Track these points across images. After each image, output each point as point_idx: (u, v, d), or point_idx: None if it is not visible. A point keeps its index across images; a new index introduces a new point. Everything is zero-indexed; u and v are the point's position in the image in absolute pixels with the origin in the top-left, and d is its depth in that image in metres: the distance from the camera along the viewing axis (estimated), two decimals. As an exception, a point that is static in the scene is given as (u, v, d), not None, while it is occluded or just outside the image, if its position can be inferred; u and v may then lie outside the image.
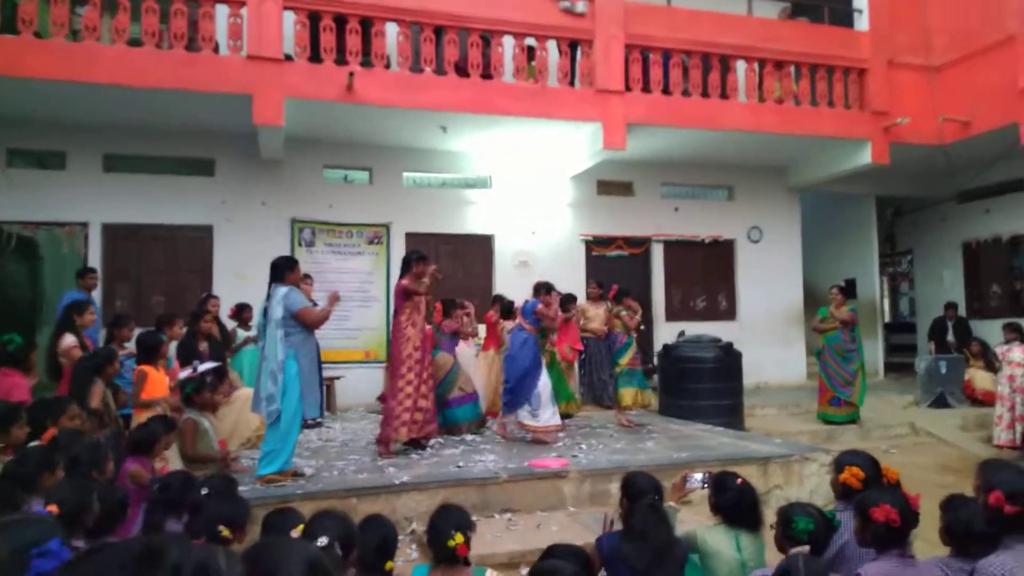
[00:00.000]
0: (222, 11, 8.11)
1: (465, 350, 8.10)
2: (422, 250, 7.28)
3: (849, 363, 8.85)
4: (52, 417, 3.96)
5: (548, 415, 6.83)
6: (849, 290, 9.57)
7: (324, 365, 8.09)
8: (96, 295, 7.99)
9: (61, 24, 7.55)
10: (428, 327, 6.72)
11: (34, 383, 5.31)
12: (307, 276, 8.08)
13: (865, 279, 13.29)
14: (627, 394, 7.81)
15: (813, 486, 5.95)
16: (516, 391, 6.88)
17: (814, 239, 13.36)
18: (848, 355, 8.85)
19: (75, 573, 1.57)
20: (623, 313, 8.03)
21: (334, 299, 5.57)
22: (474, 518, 2.99)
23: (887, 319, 14.39)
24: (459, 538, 2.68)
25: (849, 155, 10.82)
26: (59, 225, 9.12)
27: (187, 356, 6.38)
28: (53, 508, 2.70)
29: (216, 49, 8.11)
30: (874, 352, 12.68)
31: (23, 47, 7.35)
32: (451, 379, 7.45)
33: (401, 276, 6.59)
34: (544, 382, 6.90)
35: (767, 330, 11.96)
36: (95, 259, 9.04)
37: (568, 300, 8.56)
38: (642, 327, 8.74)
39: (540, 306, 7.07)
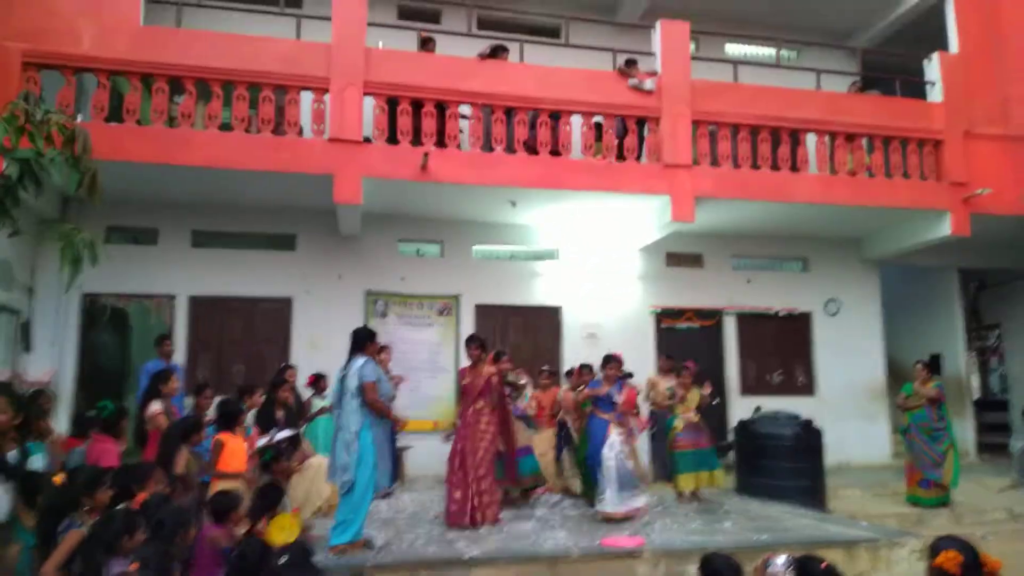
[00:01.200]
0: (306, 97, 8.61)
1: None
2: (484, 332, 7.44)
3: (937, 443, 8.40)
4: (139, 482, 4.10)
5: (615, 499, 6.70)
6: (934, 366, 9.17)
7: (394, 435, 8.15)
8: (180, 363, 8.31)
9: (160, 112, 8.15)
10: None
11: (123, 449, 5.53)
12: (384, 347, 8.22)
13: (951, 354, 12.71)
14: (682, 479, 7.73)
15: (902, 573, 5.60)
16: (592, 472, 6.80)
17: (895, 312, 12.92)
18: (936, 434, 8.41)
19: None
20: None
21: (397, 382, 5.73)
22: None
23: (976, 396, 13.64)
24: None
25: (928, 227, 10.54)
26: (148, 297, 9.61)
27: (265, 424, 6.54)
28: (134, 566, 2.79)
29: (300, 132, 8.58)
30: (964, 431, 12.00)
31: (126, 134, 7.94)
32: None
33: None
34: (611, 465, 6.75)
35: (848, 406, 11.50)
36: (180, 329, 9.46)
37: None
38: (714, 402, 8.55)
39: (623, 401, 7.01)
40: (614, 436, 6.81)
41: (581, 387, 7.72)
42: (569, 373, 8.95)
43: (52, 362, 8.97)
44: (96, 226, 8.95)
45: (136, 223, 9.73)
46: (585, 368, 8.33)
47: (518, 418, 7.72)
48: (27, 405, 5.27)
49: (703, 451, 7.75)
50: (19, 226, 6.20)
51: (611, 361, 7.24)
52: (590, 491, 7.17)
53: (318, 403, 8.02)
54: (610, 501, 6.57)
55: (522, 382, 8.18)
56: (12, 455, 4.31)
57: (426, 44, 9.37)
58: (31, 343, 8.83)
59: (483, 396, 6.61)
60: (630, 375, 7.95)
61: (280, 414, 6.79)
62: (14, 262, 8.42)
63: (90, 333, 9.40)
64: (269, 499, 4.97)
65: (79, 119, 7.77)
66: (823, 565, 3.11)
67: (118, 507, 3.85)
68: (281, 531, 4.51)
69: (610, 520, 6.53)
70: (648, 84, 9.41)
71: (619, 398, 6.98)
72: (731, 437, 9.77)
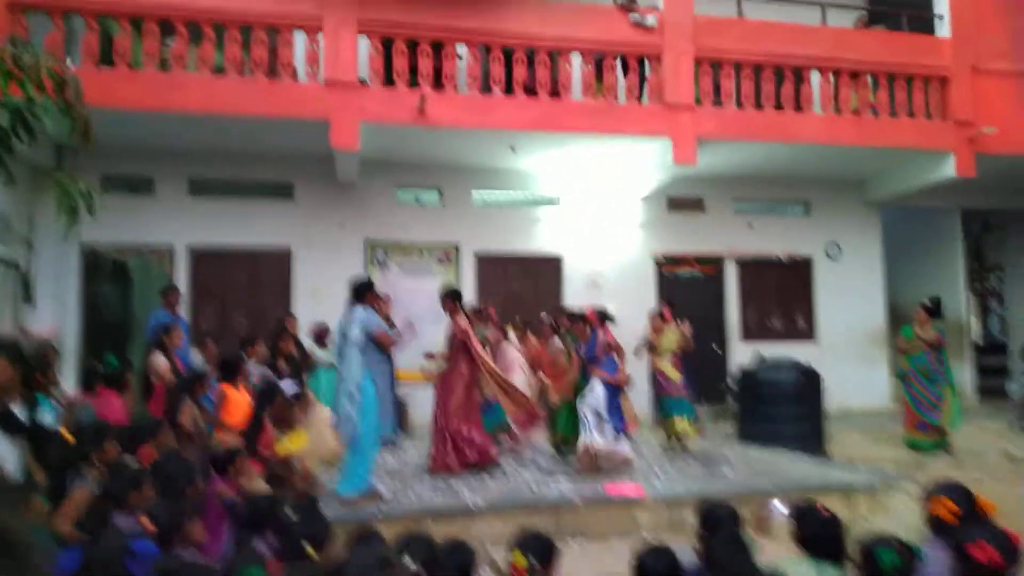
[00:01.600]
0: (300, 38, 8.39)
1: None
2: (485, 280, 7.25)
3: (936, 385, 8.44)
4: (146, 438, 4.12)
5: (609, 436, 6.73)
6: (935, 309, 9.15)
7: (396, 384, 8.20)
8: (183, 315, 8.29)
9: (152, 55, 7.95)
10: None
11: (129, 402, 5.55)
12: (384, 296, 8.16)
13: (951, 297, 12.70)
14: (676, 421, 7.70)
15: (901, 517, 5.68)
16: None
17: (896, 255, 12.86)
18: (935, 377, 8.44)
19: None
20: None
21: (410, 329, 5.69)
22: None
23: (977, 339, 13.69)
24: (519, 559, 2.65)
25: (932, 167, 10.41)
26: (148, 248, 9.55)
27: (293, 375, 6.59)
28: (147, 523, 2.82)
29: (295, 76, 8.38)
30: (963, 375, 12.08)
31: (118, 78, 7.76)
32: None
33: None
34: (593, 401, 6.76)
35: (848, 351, 11.55)
36: (181, 281, 9.41)
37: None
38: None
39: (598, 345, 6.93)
40: (594, 382, 6.78)
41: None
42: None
43: (55, 315, 8.96)
44: (92, 175, 8.80)
45: (132, 172, 9.58)
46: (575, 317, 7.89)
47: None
48: (31, 360, 5.26)
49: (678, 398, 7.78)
50: (14, 176, 6.12)
51: (576, 319, 7.27)
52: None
53: (321, 354, 8.03)
54: (590, 438, 6.60)
55: (489, 333, 7.94)
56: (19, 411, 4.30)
57: None
58: (32, 295, 8.80)
59: (454, 349, 6.58)
60: (605, 316, 7.48)
61: (282, 365, 6.80)
62: (12, 214, 8.33)
63: (91, 285, 9.36)
64: (267, 396, 5.10)
65: (69, 64, 7.56)
66: (823, 512, 3.13)
67: (125, 462, 3.87)
68: (295, 441, 4.65)
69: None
70: (650, 19, 9.16)
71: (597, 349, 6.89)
72: (731, 384, 9.84)
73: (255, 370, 6.59)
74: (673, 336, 8.11)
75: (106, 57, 7.93)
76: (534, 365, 7.93)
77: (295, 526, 3.28)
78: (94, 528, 3.48)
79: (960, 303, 12.63)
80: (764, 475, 6.29)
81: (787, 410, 8.23)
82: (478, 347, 6.66)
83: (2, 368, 3.72)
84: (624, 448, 6.68)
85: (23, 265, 8.73)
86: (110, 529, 3.06)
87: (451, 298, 6.68)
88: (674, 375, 7.93)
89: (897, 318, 11.75)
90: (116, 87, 7.66)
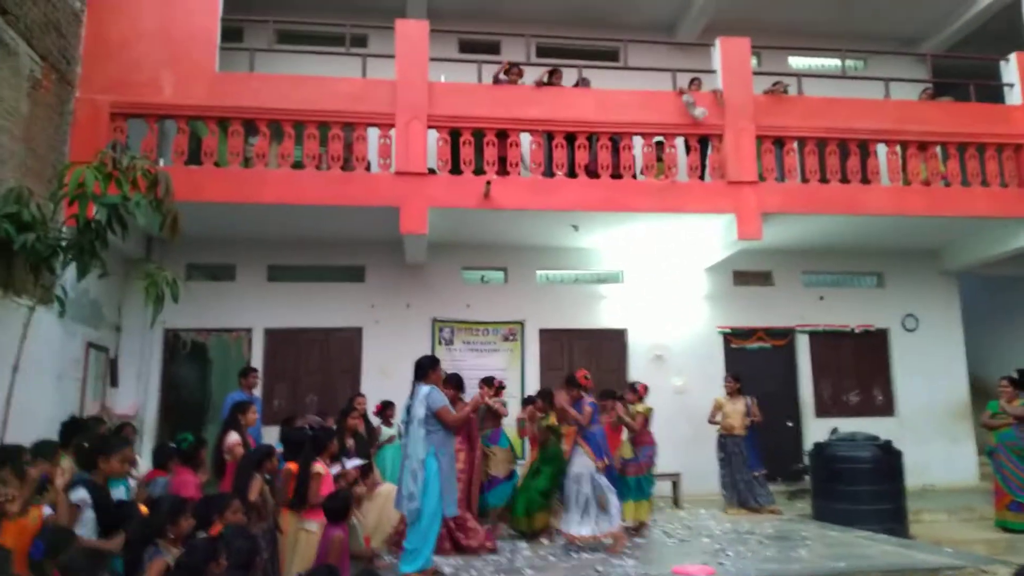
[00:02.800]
0: (373, 133, 8.90)
1: None
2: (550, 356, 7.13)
3: (1028, 463, 7.95)
4: (217, 512, 4.28)
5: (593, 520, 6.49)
6: (1021, 382, 8.69)
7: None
8: (257, 394, 8.61)
9: (236, 153, 8.56)
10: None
11: (204, 480, 5.77)
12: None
13: (1040, 369, 12.02)
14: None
15: (995, 604, 5.33)
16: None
17: (977, 326, 12.32)
18: (1027, 454, 7.97)
19: None
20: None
21: (476, 405, 5.76)
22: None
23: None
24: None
25: (1009, 235, 10.08)
26: (227, 331, 10.03)
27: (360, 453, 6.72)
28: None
29: (368, 167, 8.86)
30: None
31: (204, 176, 8.36)
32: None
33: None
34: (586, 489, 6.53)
35: (930, 426, 11.01)
36: (256, 361, 9.81)
37: (606, 396, 7.74)
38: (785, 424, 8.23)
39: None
40: (581, 457, 6.60)
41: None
42: (528, 401, 8.37)
43: (137, 395, 9.45)
44: (177, 264, 9.43)
45: (214, 260, 10.18)
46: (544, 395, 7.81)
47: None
48: (109, 438, 5.58)
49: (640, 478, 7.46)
50: (107, 267, 6.62)
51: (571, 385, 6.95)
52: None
53: (387, 431, 8.19)
54: (572, 522, 6.41)
55: (503, 404, 7.83)
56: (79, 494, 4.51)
57: (509, 72, 9.54)
58: (117, 378, 9.32)
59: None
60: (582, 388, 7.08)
61: (350, 443, 6.95)
62: (103, 301, 8.92)
63: (172, 367, 9.86)
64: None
65: (161, 163, 8.23)
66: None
67: (198, 536, 4.03)
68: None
69: (573, 542, 6.36)
70: (698, 112, 9.29)
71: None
72: (806, 461, 9.49)
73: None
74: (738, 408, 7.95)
75: (194, 156, 8.57)
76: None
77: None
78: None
79: (1052, 376, 11.91)
80: (842, 556, 5.99)
81: (865, 488, 7.85)
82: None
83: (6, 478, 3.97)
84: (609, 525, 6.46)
85: (111, 349, 9.28)
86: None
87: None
88: (627, 452, 7.57)
89: (980, 391, 11.18)
90: (202, 184, 8.23)
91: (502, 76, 9.57)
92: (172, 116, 8.56)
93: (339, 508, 4.95)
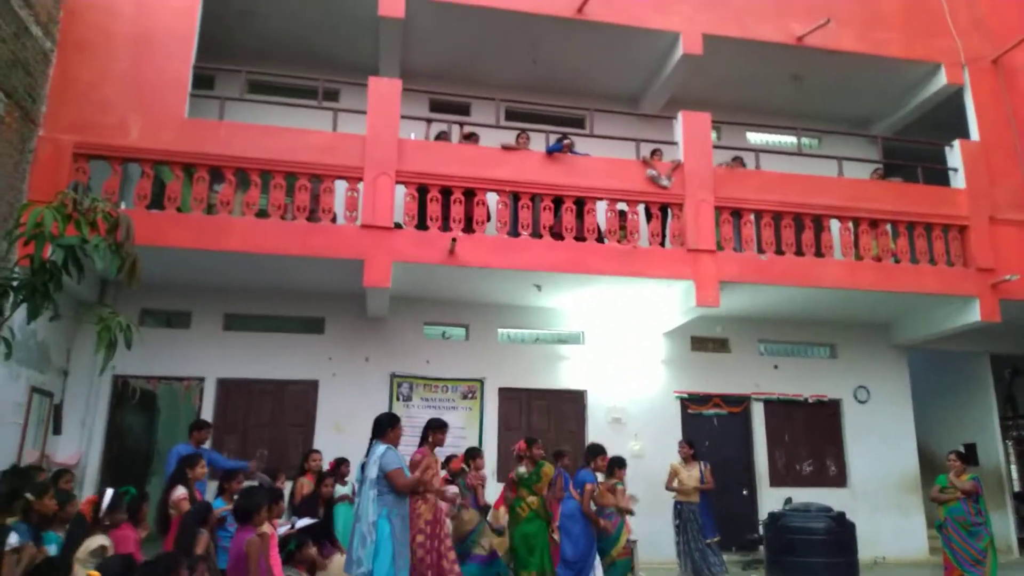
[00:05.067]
0: (340, 186, 8.92)
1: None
2: (508, 415, 7.10)
3: (976, 539, 8.06)
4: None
5: None
6: (969, 456, 8.88)
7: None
8: (207, 446, 8.34)
9: (200, 199, 8.48)
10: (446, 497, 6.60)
11: (144, 535, 5.53)
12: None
13: (986, 444, 12.33)
14: None
15: None
16: (581, 563, 6.48)
17: (926, 400, 12.64)
18: (975, 529, 8.08)
19: None
20: (618, 487, 7.33)
21: (426, 469, 5.62)
22: None
23: (1016, 488, 13.14)
24: None
25: (957, 313, 10.45)
26: (179, 379, 9.75)
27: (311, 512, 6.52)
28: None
29: (334, 219, 8.86)
30: (1004, 526, 11.53)
31: (166, 221, 8.25)
32: (475, 537, 7.09)
33: (420, 445, 6.40)
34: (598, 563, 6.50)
35: (881, 498, 11.15)
36: (207, 412, 9.53)
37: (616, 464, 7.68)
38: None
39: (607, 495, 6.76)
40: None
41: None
42: (450, 459, 7.98)
43: (80, 444, 9.07)
44: (131, 309, 9.21)
45: (170, 306, 9.97)
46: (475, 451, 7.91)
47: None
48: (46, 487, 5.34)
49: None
50: (59, 309, 6.43)
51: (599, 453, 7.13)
52: None
53: (340, 490, 7.96)
54: None
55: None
56: (14, 539, 4.31)
57: (468, 139, 9.76)
58: (61, 425, 8.94)
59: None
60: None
61: (300, 502, 6.77)
62: (51, 344, 8.63)
63: (118, 415, 9.51)
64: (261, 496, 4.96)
65: (122, 206, 8.10)
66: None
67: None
68: None
69: None
70: (664, 181, 9.59)
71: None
72: (761, 530, 9.50)
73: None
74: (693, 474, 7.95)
75: (157, 201, 8.47)
76: None
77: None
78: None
79: (996, 450, 12.24)
80: (797, 632, 5.96)
81: (819, 559, 7.89)
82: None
83: None
84: None
85: (56, 394, 8.94)
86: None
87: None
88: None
89: (929, 464, 11.41)
90: (164, 228, 8.11)
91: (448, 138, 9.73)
92: (137, 159, 8.48)
93: (249, 507, 4.69)
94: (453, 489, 7.07)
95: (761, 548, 9.24)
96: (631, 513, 7.44)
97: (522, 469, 7.15)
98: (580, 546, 6.45)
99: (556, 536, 6.91)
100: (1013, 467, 13.79)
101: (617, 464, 7.61)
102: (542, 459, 7.19)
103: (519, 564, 6.85)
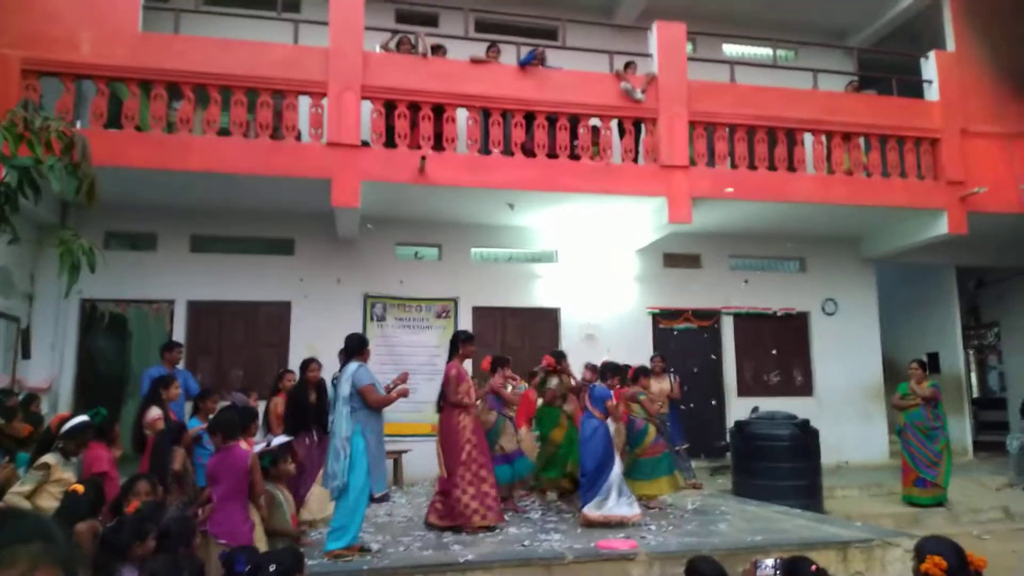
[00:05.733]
0: (304, 102, 8.66)
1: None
2: (482, 334, 7.21)
3: (934, 442, 8.42)
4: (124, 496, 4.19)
5: (613, 504, 6.61)
6: (931, 364, 9.18)
7: (391, 438, 8.13)
8: (181, 367, 8.34)
9: (159, 118, 8.20)
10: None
11: (118, 455, 5.57)
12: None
13: (948, 353, 12.72)
14: (643, 486, 7.29)
15: (896, 573, 5.63)
16: (593, 482, 6.70)
17: (892, 312, 12.93)
18: (932, 433, 8.44)
19: None
20: (641, 397, 7.62)
21: (400, 389, 5.68)
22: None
23: (975, 394, 13.65)
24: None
25: (925, 225, 10.56)
26: (148, 303, 9.66)
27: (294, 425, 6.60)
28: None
29: (298, 137, 8.63)
30: (961, 430, 12.02)
31: (125, 140, 7.99)
32: (493, 436, 7.19)
33: (449, 358, 6.63)
34: (617, 472, 6.72)
35: (846, 406, 11.52)
36: (179, 335, 9.49)
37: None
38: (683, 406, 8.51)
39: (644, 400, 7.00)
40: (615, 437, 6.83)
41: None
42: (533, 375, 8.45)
43: (52, 368, 9.03)
44: (95, 232, 8.98)
45: (135, 228, 9.78)
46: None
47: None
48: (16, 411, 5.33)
49: (664, 455, 7.60)
50: (18, 233, 6.26)
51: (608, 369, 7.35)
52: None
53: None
54: (611, 505, 6.54)
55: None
56: None
57: (436, 51, 9.39)
58: (30, 349, 8.87)
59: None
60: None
61: (275, 421, 6.83)
62: (14, 269, 8.47)
63: (89, 339, 9.44)
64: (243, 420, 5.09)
65: (78, 125, 7.82)
66: (812, 568, 3.14)
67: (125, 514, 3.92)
68: None
69: (597, 525, 6.48)
70: (638, 94, 9.42)
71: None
72: (728, 438, 9.81)
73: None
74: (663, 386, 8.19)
75: (114, 120, 8.18)
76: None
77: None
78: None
79: (958, 359, 12.64)
80: (759, 530, 6.22)
81: (784, 465, 8.19)
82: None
83: None
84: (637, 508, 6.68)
85: (23, 319, 8.83)
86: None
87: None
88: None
89: (894, 374, 11.75)
90: (123, 148, 7.88)
91: (391, 46, 9.32)
92: (90, 76, 8.15)
93: (232, 423, 4.78)
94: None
95: (728, 455, 9.54)
96: (657, 415, 7.87)
97: (556, 381, 7.80)
98: (598, 459, 6.64)
99: None
100: (973, 375, 14.30)
101: (643, 373, 7.86)
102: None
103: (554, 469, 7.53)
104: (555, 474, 7.79)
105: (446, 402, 6.47)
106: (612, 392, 6.88)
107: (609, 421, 6.82)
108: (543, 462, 7.77)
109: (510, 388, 7.63)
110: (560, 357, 8.02)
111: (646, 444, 7.47)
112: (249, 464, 4.69)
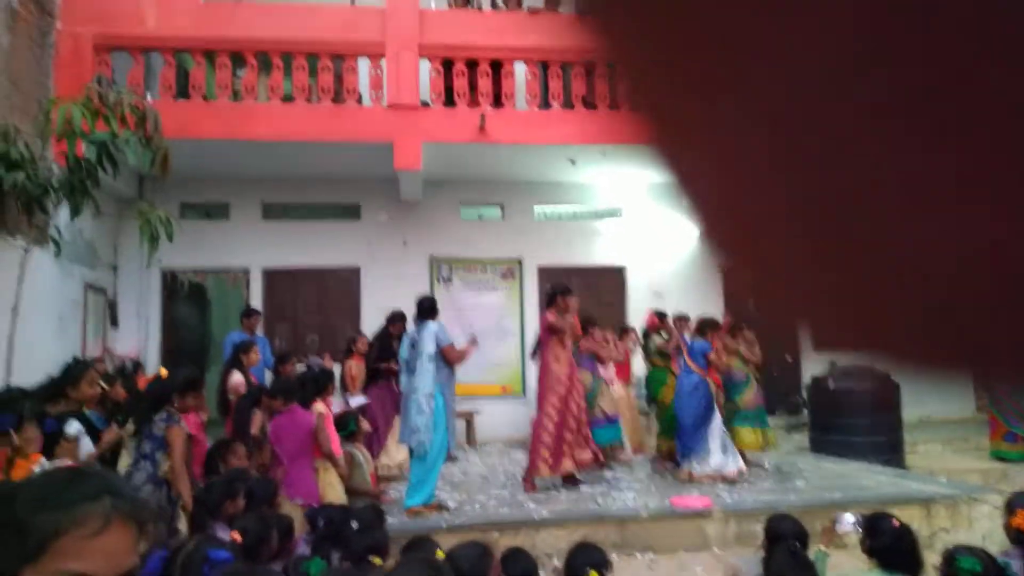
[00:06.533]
0: (364, 64, 8.65)
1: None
2: (562, 283, 7.12)
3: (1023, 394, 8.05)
4: (222, 457, 4.34)
5: (719, 461, 6.57)
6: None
7: (462, 399, 8.29)
8: (260, 334, 8.61)
9: (224, 87, 8.32)
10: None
11: (205, 418, 5.79)
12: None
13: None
14: (745, 433, 7.15)
15: (985, 531, 5.42)
16: (691, 439, 6.64)
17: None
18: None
19: None
20: (741, 349, 7.49)
21: (473, 342, 5.74)
22: (614, 556, 2.97)
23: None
24: (593, 576, 2.67)
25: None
26: (224, 271, 9.96)
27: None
28: (236, 536, 2.95)
29: (359, 100, 8.64)
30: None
31: (193, 110, 8.15)
32: (590, 400, 7.17)
33: (546, 310, 6.64)
34: (718, 427, 6.66)
35: (928, 358, 11.06)
36: (255, 301, 9.75)
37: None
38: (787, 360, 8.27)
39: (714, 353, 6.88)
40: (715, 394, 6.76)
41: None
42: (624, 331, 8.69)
43: (138, 336, 9.44)
44: (170, 203, 9.24)
45: (208, 199, 10.03)
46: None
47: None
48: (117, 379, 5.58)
49: (759, 408, 7.45)
50: (100, 206, 6.51)
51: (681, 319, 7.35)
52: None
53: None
54: (714, 463, 6.50)
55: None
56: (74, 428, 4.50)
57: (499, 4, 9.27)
58: (117, 319, 9.29)
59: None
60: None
61: (350, 382, 6.99)
62: (98, 242, 8.82)
63: (171, 307, 9.81)
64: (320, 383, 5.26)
65: (148, 98, 8.02)
66: (895, 523, 3.05)
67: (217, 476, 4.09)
68: None
69: (704, 481, 6.44)
70: None
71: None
72: (805, 395, 9.58)
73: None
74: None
75: (183, 90, 8.35)
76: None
77: (361, 536, 3.39)
78: (195, 535, 3.68)
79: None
80: (837, 488, 6.09)
81: (863, 420, 7.95)
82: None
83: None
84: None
85: (109, 290, 9.23)
86: (200, 536, 3.22)
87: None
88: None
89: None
90: (192, 119, 8.03)
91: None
92: (157, 48, 8.31)
93: (288, 384, 4.93)
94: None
95: (805, 412, 9.33)
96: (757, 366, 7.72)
97: (659, 340, 7.76)
98: (696, 415, 6.62)
99: None
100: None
101: (738, 326, 7.75)
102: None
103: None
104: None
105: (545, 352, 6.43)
106: (711, 345, 6.80)
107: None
108: (662, 425, 7.69)
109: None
110: (663, 316, 7.94)
111: (747, 395, 7.33)
112: (314, 425, 4.82)
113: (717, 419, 6.62)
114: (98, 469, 3.32)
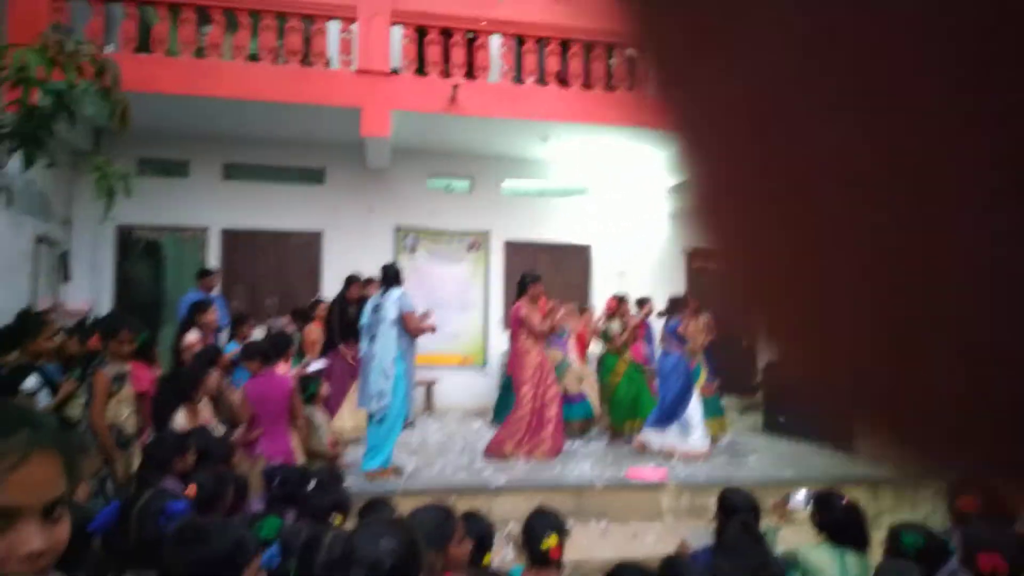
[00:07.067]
0: (334, 27, 8.48)
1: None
2: (533, 271, 7.11)
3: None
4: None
5: (697, 437, 6.68)
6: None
7: (422, 367, 8.31)
8: (217, 294, 8.47)
9: (188, 43, 8.09)
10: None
11: (158, 375, 5.69)
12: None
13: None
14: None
15: (927, 512, 5.63)
16: (672, 415, 6.74)
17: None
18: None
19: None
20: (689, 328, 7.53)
21: (425, 317, 5.75)
22: (570, 523, 3.01)
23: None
24: (553, 540, 2.70)
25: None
26: (182, 229, 9.74)
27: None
28: (191, 491, 2.92)
29: (328, 64, 8.48)
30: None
31: (155, 65, 7.91)
32: (558, 377, 7.24)
33: (517, 297, 6.65)
34: (695, 406, 6.77)
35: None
36: (213, 261, 9.58)
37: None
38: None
39: (683, 327, 6.96)
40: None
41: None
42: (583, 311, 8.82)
43: (91, 292, 9.20)
44: (128, 158, 9.00)
45: (167, 155, 9.78)
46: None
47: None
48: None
49: (713, 397, 7.57)
50: (55, 157, 6.30)
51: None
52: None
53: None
54: (699, 440, 6.61)
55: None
56: (32, 383, 4.41)
57: None
58: (69, 273, 9.05)
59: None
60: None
61: (309, 347, 6.93)
62: (52, 195, 8.56)
63: (125, 264, 9.59)
64: (280, 346, 5.23)
65: (109, 49, 7.75)
66: (844, 500, 3.14)
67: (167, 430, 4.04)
68: None
69: (694, 457, 6.54)
70: None
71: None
72: (760, 377, 9.78)
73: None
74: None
75: (144, 44, 8.09)
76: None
77: (321, 497, 3.37)
78: (142, 488, 3.62)
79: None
80: (790, 465, 6.26)
81: (815, 404, 8.13)
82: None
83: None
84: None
85: (62, 243, 8.97)
86: (153, 489, 3.18)
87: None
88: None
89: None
90: (153, 73, 7.80)
91: None
92: (118, -1, 8.02)
93: (265, 347, 4.89)
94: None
95: (759, 394, 9.52)
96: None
97: (615, 326, 7.70)
98: (676, 393, 6.70)
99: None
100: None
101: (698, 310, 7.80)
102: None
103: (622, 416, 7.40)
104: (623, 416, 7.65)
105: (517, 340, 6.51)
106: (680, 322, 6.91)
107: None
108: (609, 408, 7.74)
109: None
110: (622, 300, 7.96)
111: (702, 380, 7.36)
112: (291, 388, 4.79)
113: (696, 399, 6.72)
114: (13, 403, 3.25)
